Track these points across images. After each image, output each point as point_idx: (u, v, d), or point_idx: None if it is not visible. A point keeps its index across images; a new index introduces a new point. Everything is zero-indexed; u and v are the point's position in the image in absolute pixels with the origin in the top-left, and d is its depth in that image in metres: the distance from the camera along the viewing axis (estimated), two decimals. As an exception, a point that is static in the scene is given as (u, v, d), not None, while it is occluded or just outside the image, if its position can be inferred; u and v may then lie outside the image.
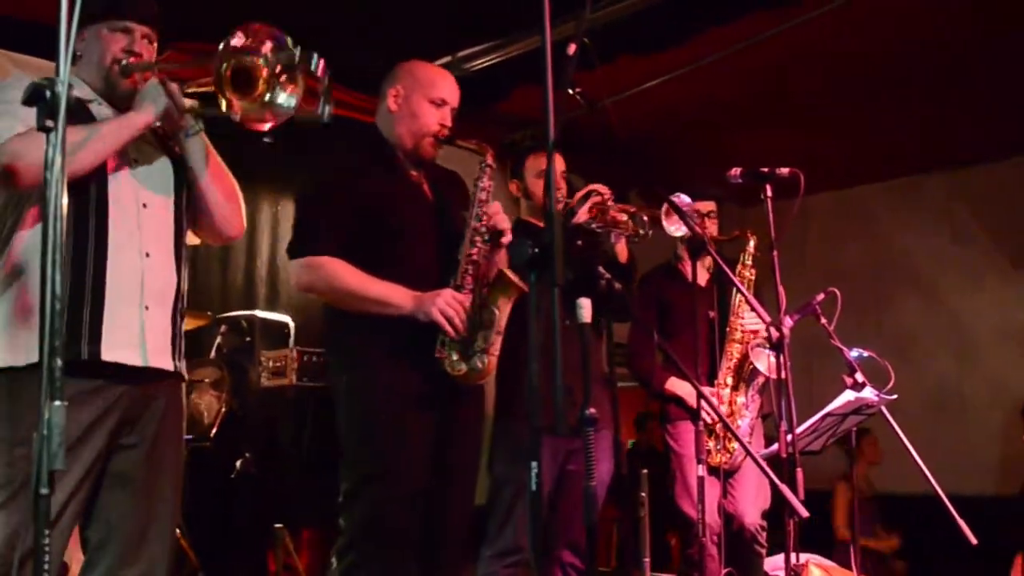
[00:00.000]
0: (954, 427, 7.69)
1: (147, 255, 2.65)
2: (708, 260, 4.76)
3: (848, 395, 3.75)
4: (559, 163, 3.96)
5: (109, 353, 2.54)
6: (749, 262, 4.69)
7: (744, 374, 4.58)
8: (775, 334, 3.37)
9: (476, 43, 5.92)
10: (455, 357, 3.09)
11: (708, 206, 4.70)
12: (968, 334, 8.01)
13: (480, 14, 5.19)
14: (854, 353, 3.82)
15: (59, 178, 1.52)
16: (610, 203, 3.76)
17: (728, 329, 4.64)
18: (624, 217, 3.77)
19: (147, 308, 2.61)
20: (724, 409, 4.46)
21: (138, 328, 2.60)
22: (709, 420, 4.31)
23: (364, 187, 3.20)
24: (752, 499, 4.51)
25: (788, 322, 3.55)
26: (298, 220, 3.33)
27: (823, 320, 3.88)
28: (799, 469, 3.28)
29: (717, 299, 4.68)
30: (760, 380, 4.52)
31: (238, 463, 5.28)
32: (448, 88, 3.35)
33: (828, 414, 3.78)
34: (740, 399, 4.57)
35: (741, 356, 4.57)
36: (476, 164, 3.33)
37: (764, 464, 2.77)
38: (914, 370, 7.68)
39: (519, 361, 3.26)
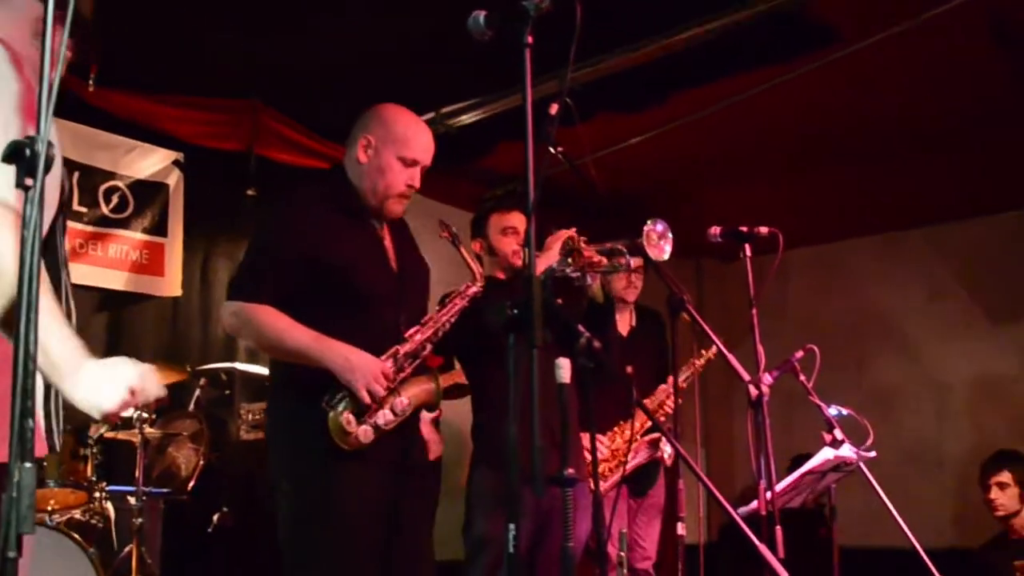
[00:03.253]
0: (932, 481, 7.72)
1: None
2: (628, 312, 5.07)
3: (827, 452, 3.75)
4: (519, 221, 3.97)
5: None
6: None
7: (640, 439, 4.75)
8: (754, 392, 3.37)
9: (460, 99, 5.98)
10: (344, 413, 2.95)
11: (638, 262, 4.75)
12: (946, 389, 8.06)
13: (464, 71, 5.24)
14: (832, 411, 3.84)
15: (36, 236, 1.52)
16: (581, 244, 3.69)
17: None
18: (597, 257, 3.69)
19: None
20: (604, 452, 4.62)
21: None
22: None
23: (322, 238, 3.07)
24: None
25: (768, 379, 3.54)
26: (244, 263, 3.22)
27: (802, 377, 3.89)
28: (778, 527, 3.28)
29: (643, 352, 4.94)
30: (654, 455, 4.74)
31: (216, 517, 5.24)
32: (422, 146, 3.20)
33: (808, 472, 3.78)
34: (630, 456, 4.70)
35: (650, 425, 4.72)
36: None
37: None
38: (892, 424, 7.72)
39: (494, 415, 3.26)
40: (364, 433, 2.95)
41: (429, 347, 3.11)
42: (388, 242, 3.25)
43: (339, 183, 3.23)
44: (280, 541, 3.05)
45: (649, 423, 4.70)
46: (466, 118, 6.08)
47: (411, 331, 3.10)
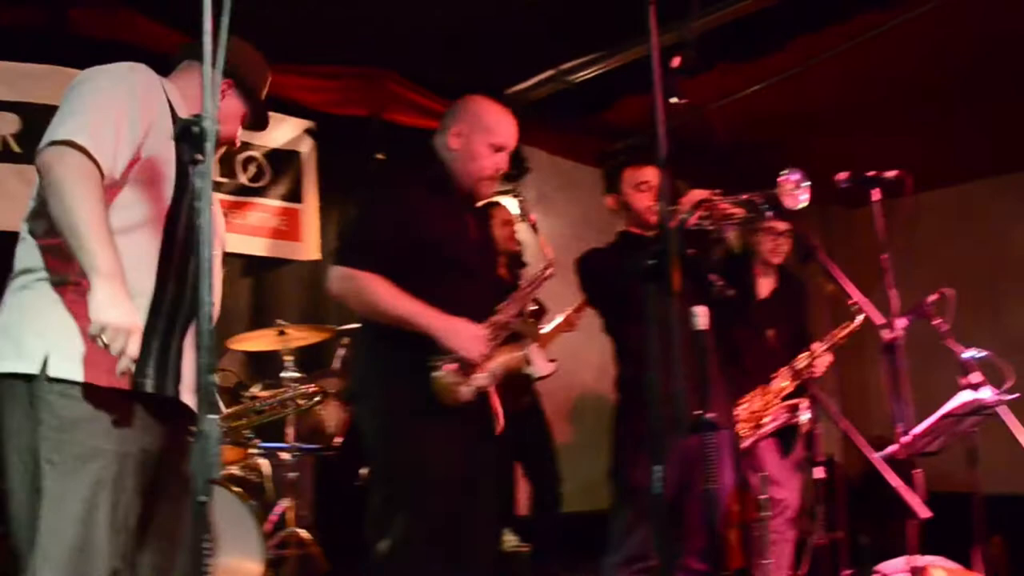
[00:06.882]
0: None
1: None
2: (772, 275, 4.99)
3: (965, 395, 3.69)
4: (653, 175, 3.99)
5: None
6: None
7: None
8: (888, 336, 3.36)
9: (580, 55, 6.01)
10: (452, 373, 3.18)
11: (785, 225, 4.79)
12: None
13: (583, 25, 5.26)
14: (968, 354, 3.77)
15: (208, 206, 1.65)
16: (717, 198, 3.65)
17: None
18: (732, 208, 3.64)
19: None
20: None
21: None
22: None
23: (419, 216, 3.32)
24: None
25: (902, 323, 3.52)
26: (351, 229, 3.53)
27: (935, 321, 3.83)
28: (919, 470, 3.28)
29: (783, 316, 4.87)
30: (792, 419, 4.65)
31: (363, 470, 5.42)
32: (508, 133, 3.46)
33: (946, 415, 3.74)
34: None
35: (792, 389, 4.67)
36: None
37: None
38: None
39: (636, 365, 3.33)
40: (465, 393, 3.21)
41: (517, 320, 3.37)
42: (472, 220, 3.52)
43: (439, 169, 3.48)
44: (369, 492, 3.35)
45: (789, 389, 4.70)
46: (586, 73, 6.11)
47: (502, 304, 3.37)
